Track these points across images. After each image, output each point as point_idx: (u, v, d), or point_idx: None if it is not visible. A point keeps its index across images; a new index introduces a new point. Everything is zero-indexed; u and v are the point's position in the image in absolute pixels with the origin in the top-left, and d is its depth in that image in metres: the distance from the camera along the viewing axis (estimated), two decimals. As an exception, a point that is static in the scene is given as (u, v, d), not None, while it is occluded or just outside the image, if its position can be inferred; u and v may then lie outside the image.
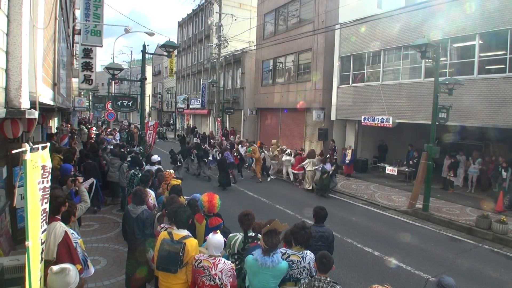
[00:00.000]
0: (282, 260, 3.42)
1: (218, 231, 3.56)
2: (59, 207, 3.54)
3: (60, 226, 3.40)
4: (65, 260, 3.18)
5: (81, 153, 9.45)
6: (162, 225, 4.22)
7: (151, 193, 5.84)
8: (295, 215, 9.62)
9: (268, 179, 14.45)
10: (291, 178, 14.31)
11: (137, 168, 7.90)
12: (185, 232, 3.71)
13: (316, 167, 12.50)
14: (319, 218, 4.57)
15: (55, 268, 2.71)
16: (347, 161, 15.31)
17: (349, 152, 15.43)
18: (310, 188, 12.66)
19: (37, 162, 2.39)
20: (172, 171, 7.56)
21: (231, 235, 4.16)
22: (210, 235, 3.47)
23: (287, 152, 14.79)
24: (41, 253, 2.59)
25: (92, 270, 3.85)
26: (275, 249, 3.38)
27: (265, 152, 15.52)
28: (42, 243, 2.57)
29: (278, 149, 15.87)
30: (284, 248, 3.77)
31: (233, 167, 14.26)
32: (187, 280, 3.61)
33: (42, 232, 2.57)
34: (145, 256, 4.54)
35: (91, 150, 10.59)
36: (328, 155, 14.09)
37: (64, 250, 3.29)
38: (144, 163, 8.77)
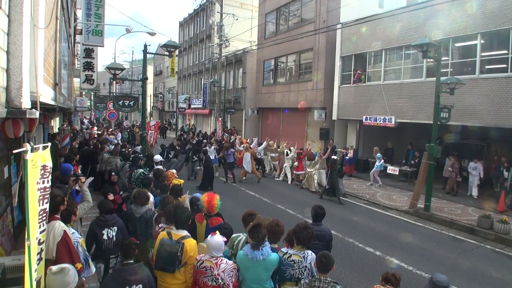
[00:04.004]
0: (272, 252, 3.47)
1: (217, 232, 3.54)
2: (58, 206, 3.54)
3: (59, 225, 3.40)
4: (64, 259, 3.18)
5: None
6: (160, 225, 4.22)
7: (150, 196, 5.85)
8: (296, 215, 9.62)
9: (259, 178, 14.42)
10: (289, 180, 14.19)
11: (147, 168, 7.91)
12: (184, 233, 3.73)
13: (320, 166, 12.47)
14: (316, 217, 4.61)
15: (54, 268, 2.71)
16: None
17: (351, 152, 15.39)
18: (314, 190, 12.61)
19: (37, 162, 2.39)
20: (174, 171, 7.59)
21: (234, 235, 4.15)
22: (209, 237, 3.47)
23: (289, 150, 14.76)
24: (40, 253, 2.59)
25: (93, 269, 3.85)
26: (263, 242, 3.45)
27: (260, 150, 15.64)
28: (40, 243, 2.57)
29: (280, 148, 15.76)
30: (286, 248, 3.77)
31: (233, 167, 14.29)
32: (185, 280, 3.61)
33: (41, 232, 2.57)
34: (147, 256, 4.55)
35: (94, 149, 10.72)
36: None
37: (63, 249, 3.29)
38: (154, 165, 8.71)
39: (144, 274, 3.27)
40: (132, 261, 3.33)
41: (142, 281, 3.20)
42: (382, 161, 13.72)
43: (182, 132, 20.77)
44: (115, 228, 4.47)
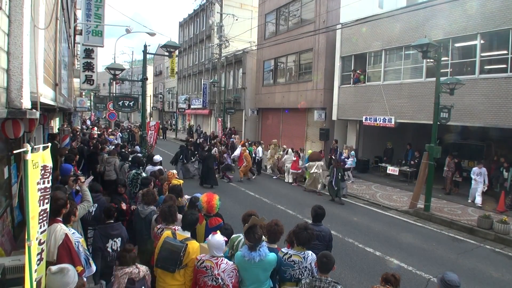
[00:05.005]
0: (270, 253, 3.47)
1: (218, 231, 3.55)
2: (60, 209, 3.52)
3: (60, 229, 3.39)
4: (65, 262, 3.18)
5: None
6: (159, 226, 4.22)
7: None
8: (296, 215, 9.62)
9: (253, 177, 14.64)
10: (290, 179, 14.30)
11: (140, 167, 7.92)
12: (188, 234, 3.75)
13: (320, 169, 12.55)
14: (316, 217, 4.60)
15: (53, 268, 2.71)
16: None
17: (345, 151, 15.41)
18: (317, 189, 12.65)
19: (38, 162, 2.39)
20: (175, 171, 7.63)
21: (234, 235, 4.15)
22: (210, 236, 3.48)
23: (288, 151, 14.86)
24: (41, 253, 2.59)
25: (93, 268, 3.85)
26: (260, 243, 3.44)
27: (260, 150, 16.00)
28: (41, 244, 2.57)
29: (279, 151, 16.03)
30: (286, 248, 3.78)
31: (229, 169, 14.51)
32: (184, 282, 3.61)
33: (41, 233, 2.57)
34: (149, 257, 4.56)
35: (93, 149, 10.75)
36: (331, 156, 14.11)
37: (64, 252, 3.28)
38: (144, 163, 8.82)
39: (122, 230, 4.41)
40: (112, 221, 4.40)
41: (120, 235, 4.36)
42: (355, 158, 14.48)
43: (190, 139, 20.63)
44: (96, 204, 5.15)
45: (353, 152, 14.49)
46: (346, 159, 13.99)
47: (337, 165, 11.55)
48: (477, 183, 10.92)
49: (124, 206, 5.59)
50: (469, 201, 11.28)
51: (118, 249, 4.18)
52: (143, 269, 3.33)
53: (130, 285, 3.13)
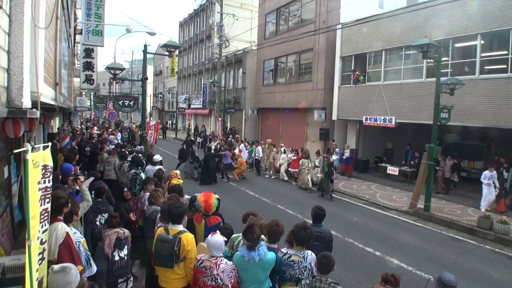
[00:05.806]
0: (269, 252, 3.46)
1: (217, 231, 3.54)
2: (61, 208, 3.53)
3: (62, 227, 3.40)
4: (66, 261, 3.18)
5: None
6: (158, 225, 4.23)
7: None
8: (296, 215, 9.62)
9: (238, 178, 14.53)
10: (285, 177, 14.49)
11: (138, 167, 7.92)
12: (180, 227, 3.74)
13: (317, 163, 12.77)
14: (316, 218, 4.57)
15: (56, 267, 2.71)
16: (343, 158, 15.12)
17: (347, 151, 15.48)
18: (310, 185, 12.81)
19: (38, 161, 2.39)
20: (177, 171, 7.64)
21: (234, 235, 4.13)
22: (209, 236, 3.47)
23: (284, 150, 15.00)
24: (42, 253, 2.59)
25: (94, 268, 3.85)
26: (259, 242, 3.42)
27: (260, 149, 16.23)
28: (42, 243, 2.57)
29: (275, 149, 16.18)
30: (286, 248, 3.77)
31: (230, 168, 14.60)
32: (185, 275, 3.62)
33: (43, 232, 2.57)
34: (150, 255, 4.57)
35: (93, 149, 10.75)
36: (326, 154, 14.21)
37: (65, 251, 3.29)
38: (144, 163, 8.82)
39: (108, 207, 5.30)
40: (101, 199, 5.23)
41: (108, 211, 5.15)
42: (338, 156, 14.70)
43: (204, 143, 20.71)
44: (93, 191, 5.66)
45: (337, 149, 14.69)
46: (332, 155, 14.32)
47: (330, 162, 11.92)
48: (489, 187, 10.14)
49: (132, 216, 5.59)
50: (483, 210, 10.20)
51: None
52: (126, 231, 4.07)
53: (118, 241, 3.92)
